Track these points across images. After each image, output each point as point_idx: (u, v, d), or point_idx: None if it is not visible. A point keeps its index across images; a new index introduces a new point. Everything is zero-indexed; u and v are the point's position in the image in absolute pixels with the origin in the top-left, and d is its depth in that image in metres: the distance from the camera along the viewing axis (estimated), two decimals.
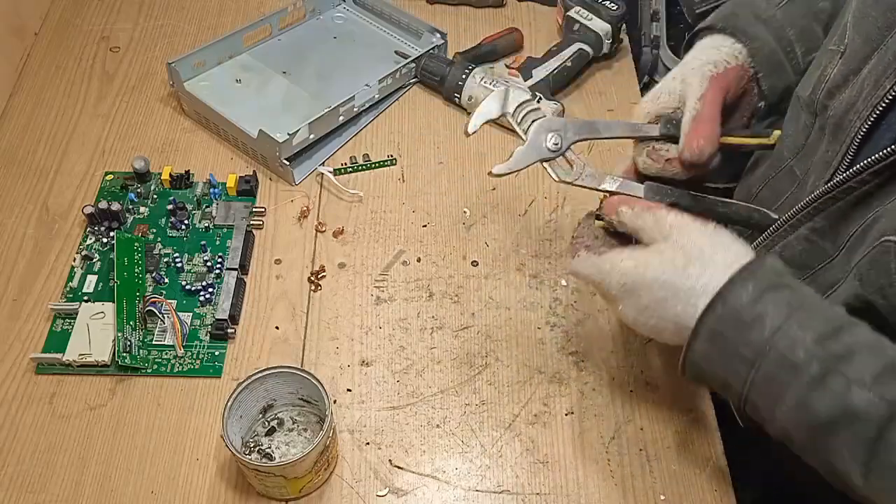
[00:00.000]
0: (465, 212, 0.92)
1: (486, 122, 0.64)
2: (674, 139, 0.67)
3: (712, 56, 0.70)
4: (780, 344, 0.54)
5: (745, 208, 0.70)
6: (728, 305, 0.56)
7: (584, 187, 0.66)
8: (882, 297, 0.56)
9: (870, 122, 0.60)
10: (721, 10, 0.74)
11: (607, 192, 0.66)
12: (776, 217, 0.69)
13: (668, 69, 1.70)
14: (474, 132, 0.64)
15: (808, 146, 0.70)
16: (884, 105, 0.59)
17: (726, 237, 0.60)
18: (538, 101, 0.65)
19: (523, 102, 0.63)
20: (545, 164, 0.63)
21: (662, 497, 0.72)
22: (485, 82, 0.98)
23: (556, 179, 0.64)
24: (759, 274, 0.56)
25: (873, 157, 0.57)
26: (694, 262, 0.58)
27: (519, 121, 0.63)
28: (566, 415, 0.77)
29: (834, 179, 0.63)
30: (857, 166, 0.59)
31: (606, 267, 0.62)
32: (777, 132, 0.72)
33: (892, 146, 0.56)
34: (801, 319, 0.55)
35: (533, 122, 0.62)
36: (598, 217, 0.66)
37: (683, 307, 0.58)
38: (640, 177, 0.69)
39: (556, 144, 0.63)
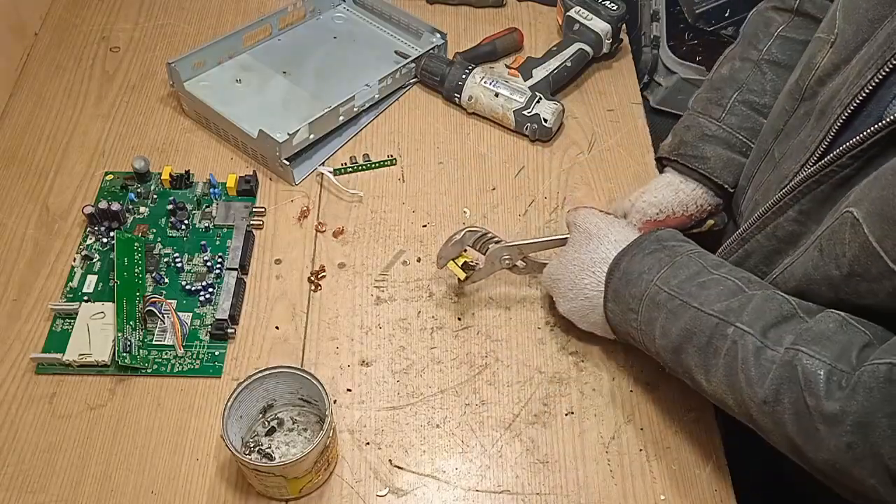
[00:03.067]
0: (465, 212, 0.92)
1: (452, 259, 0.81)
2: None
3: (665, 199, 0.82)
4: (651, 292, 0.68)
5: None
6: (621, 269, 0.71)
7: (532, 273, 0.84)
8: (836, 266, 0.59)
9: (850, 110, 0.62)
10: (673, 139, 0.84)
11: None
12: None
13: (668, 69, 1.71)
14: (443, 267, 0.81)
15: (785, 130, 0.73)
16: (864, 94, 0.61)
17: (619, 222, 0.76)
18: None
19: (479, 237, 0.81)
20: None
21: (662, 497, 0.72)
22: (485, 82, 0.98)
23: (514, 273, 0.83)
24: (645, 243, 0.71)
25: (852, 142, 0.60)
26: (592, 238, 0.75)
27: (479, 248, 0.82)
28: (566, 415, 0.77)
29: (810, 163, 0.65)
30: (838, 150, 0.61)
31: (546, 268, 0.78)
32: (710, 222, 0.85)
33: (870, 129, 0.58)
34: (670, 272, 0.68)
35: (489, 247, 0.81)
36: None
37: (590, 278, 0.74)
38: None
39: (508, 260, 0.81)
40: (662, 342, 0.67)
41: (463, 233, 0.80)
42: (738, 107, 0.81)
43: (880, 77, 0.60)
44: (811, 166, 0.65)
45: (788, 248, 0.68)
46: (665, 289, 0.67)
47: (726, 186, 0.81)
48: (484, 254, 0.81)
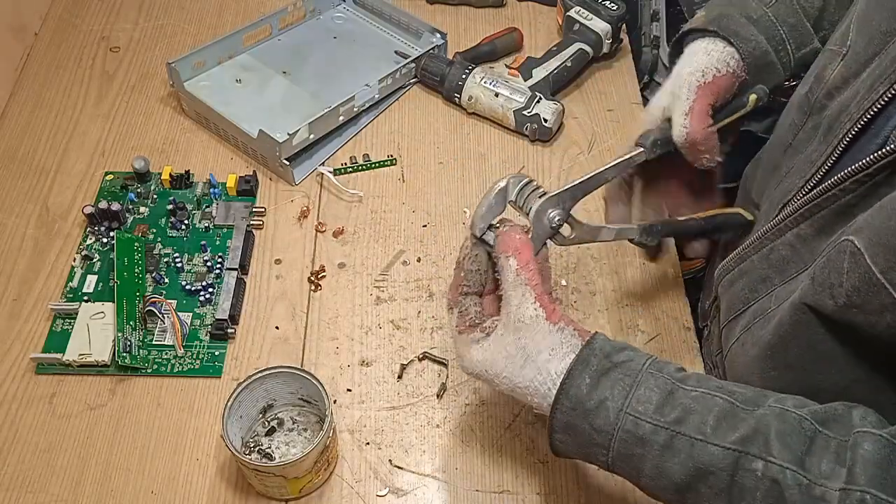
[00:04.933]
0: (465, 212, 0.92)
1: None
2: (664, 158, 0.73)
3: (702, 63, 0.72)
4: (625, 424, 0.57)
5: (719, 215, 0.76)
6: (571, 397, 0.59)
7: (584, 242, 0.69)
8: (831, 297, 0.56)
9: (859, 126, 0.60)
10: (710, 12, 0.74)
11: (606, 241, 0.71)
12: (749, 217, 0.75)
13: (669, 69, 1.70)
14: (481, 235, 0.64)
15: (794, 145, 0.70)
16: (875, 110, 0.59)
17: (567, 337, 0.61)
18: (531, 187, 0.65)
19: (523, 187, 0.64)
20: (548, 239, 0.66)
21: None
22: (485, 82, 0.98)
23: (557, 244, 0.67)
24: (592, 362, 0.59)
25: (855, 166, 0.57)
26: (530, 363, 0.60)
27: (521, 205, 0.65)
28: None
29: (815, 178, 0.63)
30: (841, 174, 0.58)
31: (463, 353, 0.64)
32: (753, 96, 0.74)
33: (874, 155, 0.55)
34: (639, 396, 0.57)
35: (532, 203, 0.64)
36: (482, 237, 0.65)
37: (529, 400, 0.62)
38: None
39: (558, 218, 0.65)
40: (658, 482, 0.57)
41: (506, 181, 0.63)
42: None
43: (892, 93, 0.57)
44: (816, 181, 0.63)
45: (775, 276, 0.66)
46: (645, 419, 0.57)
47: (747, 79, 0.73)
48: (527, 215, 0.64)
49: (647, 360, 0.60)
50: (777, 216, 0.66)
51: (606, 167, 0.70)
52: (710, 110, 0.71)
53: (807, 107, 0.69)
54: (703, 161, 0.72)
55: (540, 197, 0.64)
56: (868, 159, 0.56)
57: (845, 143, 0.61)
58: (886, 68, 0.59)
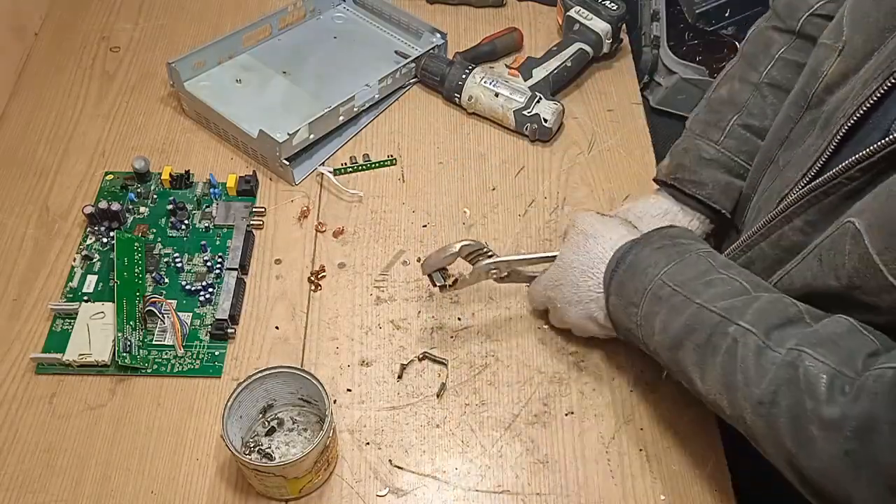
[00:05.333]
0: (465, 212, 0.92)
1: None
2: None
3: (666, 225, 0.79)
4: (654, 286, 0.66)
5: None
6: (627, 261, 0.69)
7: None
8: (836, 277, 0.58)
9: (853, 120, 0.61)
10: (672, 159, 0.83)
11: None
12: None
13: (668, 69, 1.70)
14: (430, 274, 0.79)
15: (791, 138, 0.72)
16: (869, 105, 0.60)
17: (616, 222, 0.74)
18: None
19: (474, 251, 0.78)
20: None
21: (662, 497, 0.72)
22: (485, 82, 0.98)
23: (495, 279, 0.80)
24: (654, 238, 0.69)
25: (860, 155, 0.58)
26: (588, 238, 0.73)
27: (468, 259, 0.79)
28: (566, 415, 0.77)
29: (812, 172, 0.64)
30: (846, 162, 0.59)
31: (542, 279, 0.77)
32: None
33: (879, 143, 0.56)
34: (676, 268, 0.66)
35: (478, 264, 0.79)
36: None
37: (592, 279, 0.72)
38: None
39: (496, 273, 0.79)
40: (660, 338, 0.66)
41: (459, 246, 0.77)
42: (737, 130, 0.80)
43: (886, 88, 0.58)
44: (813, 175, 0.64)
45: (791, 257, 0.67)
46: (669, 284, 0.65)
47: (724, 212, 0.80)
48: (472, 264, 0.78)
49: (703, 247, 0.69)
50: (778, 206, 0.67)
51: (550, 254, 0.78)
52: None
53: (803, 101, 0.70)
54: None
55: (488, 257, 0.78)
56: (873, 147, 0.57)
57: (840, 136, 0.62)
58: (881, 64, 0.60)
